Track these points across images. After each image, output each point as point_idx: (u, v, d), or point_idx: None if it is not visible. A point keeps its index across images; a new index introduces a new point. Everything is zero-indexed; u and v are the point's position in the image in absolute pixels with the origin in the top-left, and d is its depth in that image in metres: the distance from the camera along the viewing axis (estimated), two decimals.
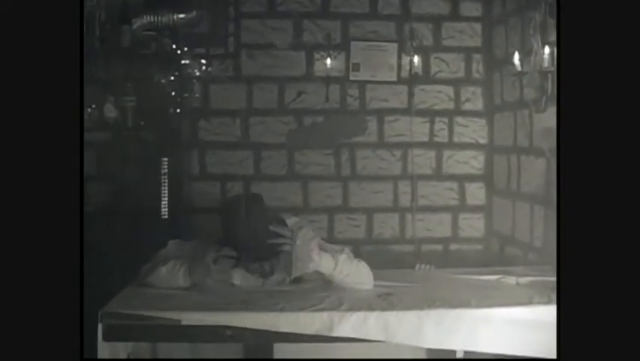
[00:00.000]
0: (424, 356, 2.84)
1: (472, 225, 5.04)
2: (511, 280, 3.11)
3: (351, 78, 4.94)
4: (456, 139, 5.04)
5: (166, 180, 4.43)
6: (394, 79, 4.95)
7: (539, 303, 2.69)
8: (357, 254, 4.81)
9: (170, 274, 2.91)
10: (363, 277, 2.99)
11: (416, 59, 4.90)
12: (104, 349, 2.56)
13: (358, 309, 2.62)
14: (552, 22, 3.53)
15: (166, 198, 4.42)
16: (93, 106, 4.43)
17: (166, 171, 4.45)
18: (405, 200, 5.00)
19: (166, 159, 4.46)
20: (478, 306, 2.68)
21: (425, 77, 4.98)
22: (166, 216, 4.41)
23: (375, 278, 3.01)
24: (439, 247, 5.01)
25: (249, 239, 2.85)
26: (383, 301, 2.74)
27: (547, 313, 2.57)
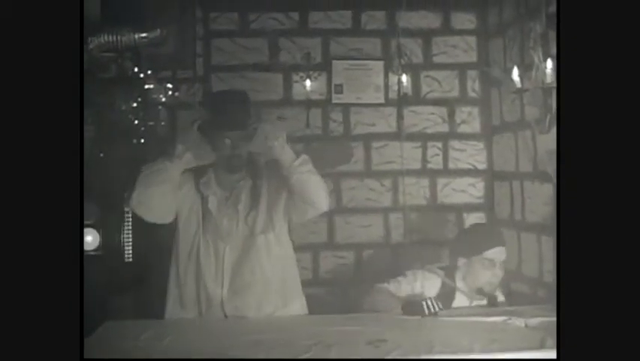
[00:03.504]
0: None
1: None
2: (519, 321, 3.06)
3: (334, 101, 4.95)
4: (451, 165, 5.04)
5: (129, 219, 4.36)
6: (381, 101, 4.97)
7: (552, 347, 2.62)
8: (346, 295, 4.81)
9: (155, 165, 3.12)
10: (320, 190, 3.16)
11: (405, 78, 4.84)
12: None
13: (347, 358, 2.58)
14: (554, 34, 3.53)
15: (130, 240, 4.36)
16: None
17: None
18: (397, 234, 4.96)
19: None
20: (483, 351, 2.62)
21: (415, 97, 4.99)
22: (130, 260, 4.34)
23: (367, 323, 2.97)
24: None
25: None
26: (375, 348, 2.68)
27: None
